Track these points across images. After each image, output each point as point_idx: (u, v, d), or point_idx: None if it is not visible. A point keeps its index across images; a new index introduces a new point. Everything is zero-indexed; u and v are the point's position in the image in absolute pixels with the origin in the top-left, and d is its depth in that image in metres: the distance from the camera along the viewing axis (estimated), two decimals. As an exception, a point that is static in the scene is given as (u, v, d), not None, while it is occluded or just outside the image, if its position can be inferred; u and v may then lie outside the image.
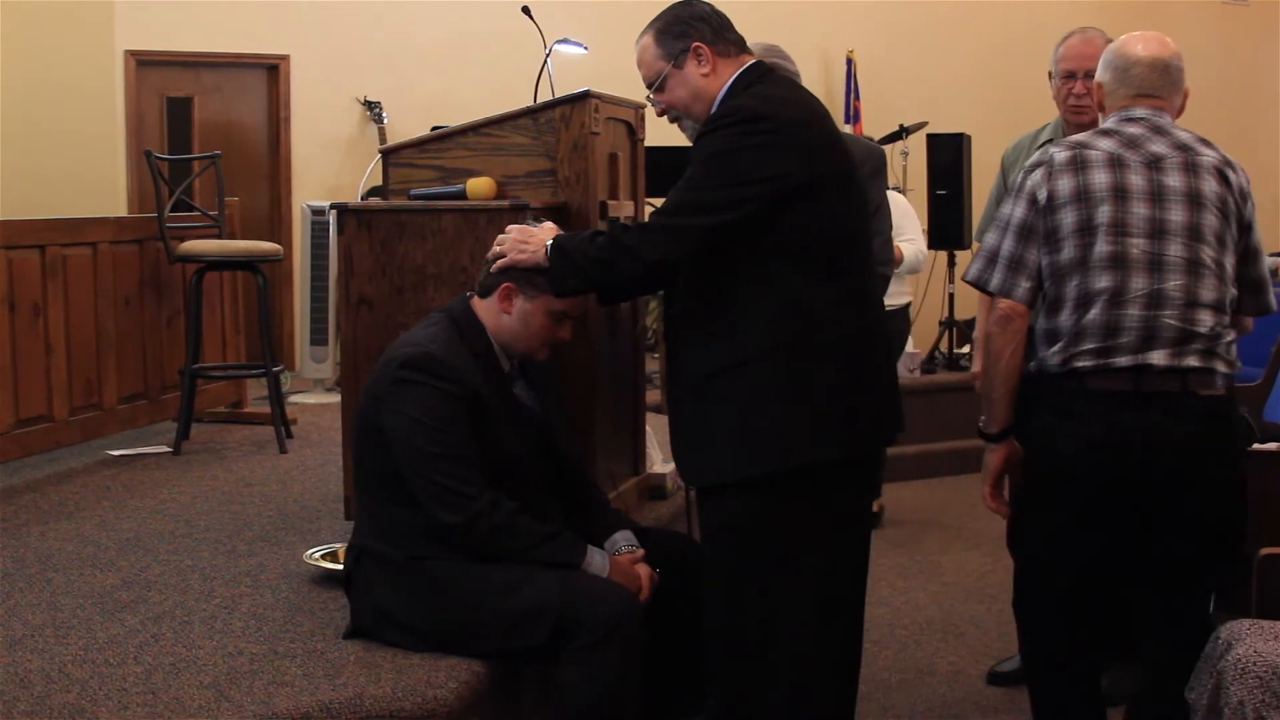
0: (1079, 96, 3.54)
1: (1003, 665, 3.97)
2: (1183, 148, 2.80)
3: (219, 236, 5.56)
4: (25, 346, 4.72)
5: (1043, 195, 2.79)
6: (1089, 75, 3.34)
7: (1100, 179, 2.75)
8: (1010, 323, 2.79)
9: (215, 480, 4.67)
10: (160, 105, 7.85)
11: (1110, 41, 3.15)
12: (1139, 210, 2.72)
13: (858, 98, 8.72)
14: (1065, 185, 2.77)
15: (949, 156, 7.54)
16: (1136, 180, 2.75)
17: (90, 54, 7.61)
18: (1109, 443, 2.72)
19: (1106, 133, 2.84)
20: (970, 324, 7.77)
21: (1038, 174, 2.82)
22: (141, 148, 6.86)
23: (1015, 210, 2.82)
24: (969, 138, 7.60)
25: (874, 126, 8.20)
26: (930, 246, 7.63)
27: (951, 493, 6.52)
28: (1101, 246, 2.72)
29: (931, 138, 7.66)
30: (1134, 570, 2.95)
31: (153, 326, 5.44)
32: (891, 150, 7.67)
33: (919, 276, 7.86)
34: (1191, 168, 2.77)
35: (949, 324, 7.60)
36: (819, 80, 8.63)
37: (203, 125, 7.91)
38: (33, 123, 7.34)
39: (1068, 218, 2.76)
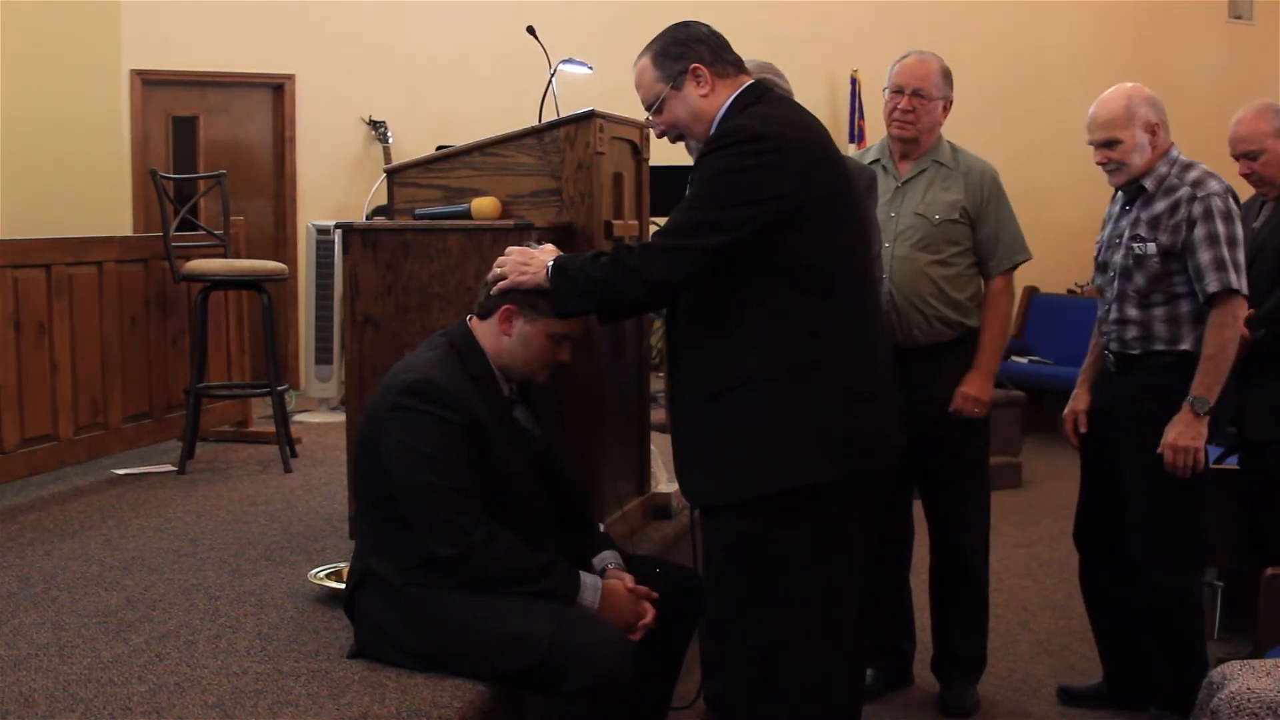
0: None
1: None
2: None
3: (224, 256, 5.58)
4: (31, 366, 4.73)
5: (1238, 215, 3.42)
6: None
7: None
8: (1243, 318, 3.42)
9: (220, 499, 4.67)
10: (166, 124, 7.88)
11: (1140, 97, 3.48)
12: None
13: (862, 117, 8.72)
14: (1240, 208, 3.46)
15: (953, 175, 7.53)
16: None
17: (96, 73, 7.64)
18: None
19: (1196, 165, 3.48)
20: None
21: (1232, 200, 3.40)
22: (147, 167, 6.90)
23: (1237, 229, 3.37)
24: (973, 157, 7.59)
25: (879, 146, 8.20)
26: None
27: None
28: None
29: (935, 157, 7.66)
30: None
31: (158, 346, 5.45)
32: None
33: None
34: None
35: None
36: (824, 100, 8.65)
37: (208, 144, 7.94)
38: (39, 142, 7.37)
39: (1243, 232, 3.44)
